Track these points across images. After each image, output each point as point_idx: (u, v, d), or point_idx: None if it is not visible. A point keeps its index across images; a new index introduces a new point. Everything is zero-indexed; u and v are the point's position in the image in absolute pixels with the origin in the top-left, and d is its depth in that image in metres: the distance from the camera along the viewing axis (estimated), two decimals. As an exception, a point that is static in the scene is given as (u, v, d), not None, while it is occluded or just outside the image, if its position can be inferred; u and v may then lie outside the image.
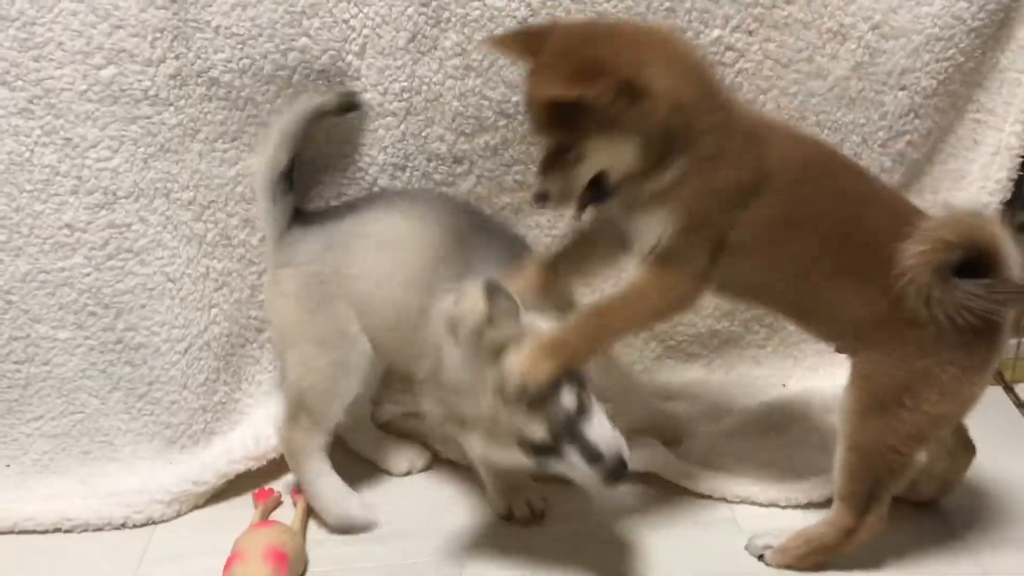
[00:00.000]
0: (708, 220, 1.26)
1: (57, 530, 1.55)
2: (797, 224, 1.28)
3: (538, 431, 1.23)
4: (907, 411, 1.27)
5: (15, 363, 1.57)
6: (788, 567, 1.40)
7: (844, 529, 1.35)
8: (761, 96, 1.63)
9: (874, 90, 1.64)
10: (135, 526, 1.55)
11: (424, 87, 1.56)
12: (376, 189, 1.62)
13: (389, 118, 1.58)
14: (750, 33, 1.58)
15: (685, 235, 1.25)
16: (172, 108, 1.49)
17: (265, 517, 1.53)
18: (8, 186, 1.49)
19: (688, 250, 1.26)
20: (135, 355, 1.57)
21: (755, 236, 1.27)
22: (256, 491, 1.59)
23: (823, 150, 1.38)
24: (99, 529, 1.54)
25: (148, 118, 1.49)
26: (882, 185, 1.43)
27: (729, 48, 1.59)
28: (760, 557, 1.42)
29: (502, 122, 1.59)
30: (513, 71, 1.54)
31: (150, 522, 1.56)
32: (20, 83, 1.44)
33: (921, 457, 1.32)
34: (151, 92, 1.47)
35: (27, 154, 1.48)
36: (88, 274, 1.54)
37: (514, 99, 1.56)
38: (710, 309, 1.77)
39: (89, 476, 1.60)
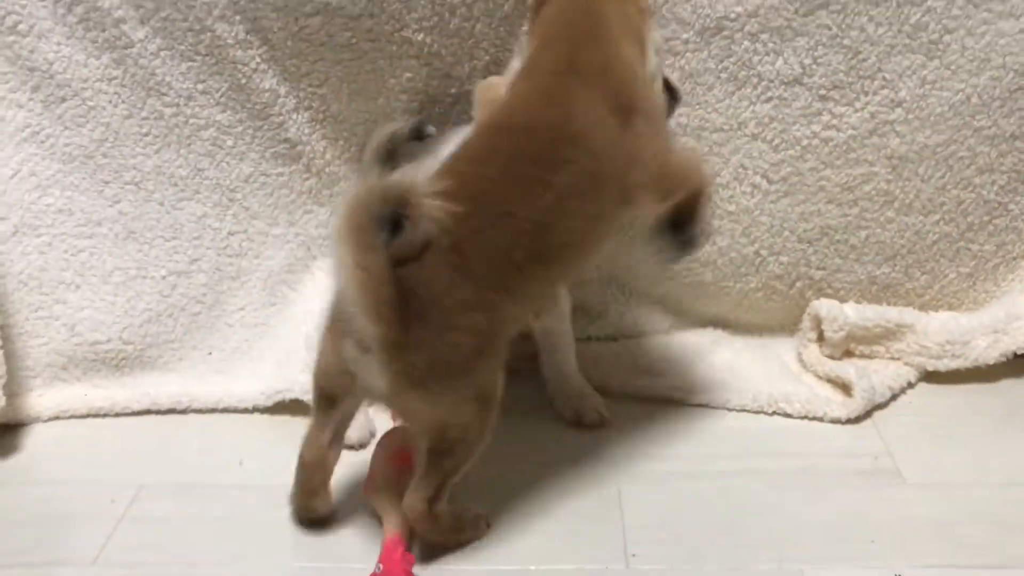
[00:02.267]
0: None
1: (256, 409, 1.73)
2: None
3: None
4: None
5: (231, 256, 1.80)
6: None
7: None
8: (947, 36, 1.65)
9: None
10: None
11: None
12: None
13: None
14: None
15: None
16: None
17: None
18: (233, 102, 1.72)
19: None
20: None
21: None
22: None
23: None
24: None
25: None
26: None
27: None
28: None
29: (669, 60, 1.63)
30: (687, 8, 1.61)
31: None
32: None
33: None
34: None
35: (250, 76, 1.71)
36: (307, 179, 1.76)
37: (684, 36, 1.64)
38: (871, 254, 1.79)
39: (282, 362, 1.76)
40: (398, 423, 1.52)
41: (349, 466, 1.50)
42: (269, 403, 1.71)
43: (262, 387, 1.71)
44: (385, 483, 1.40)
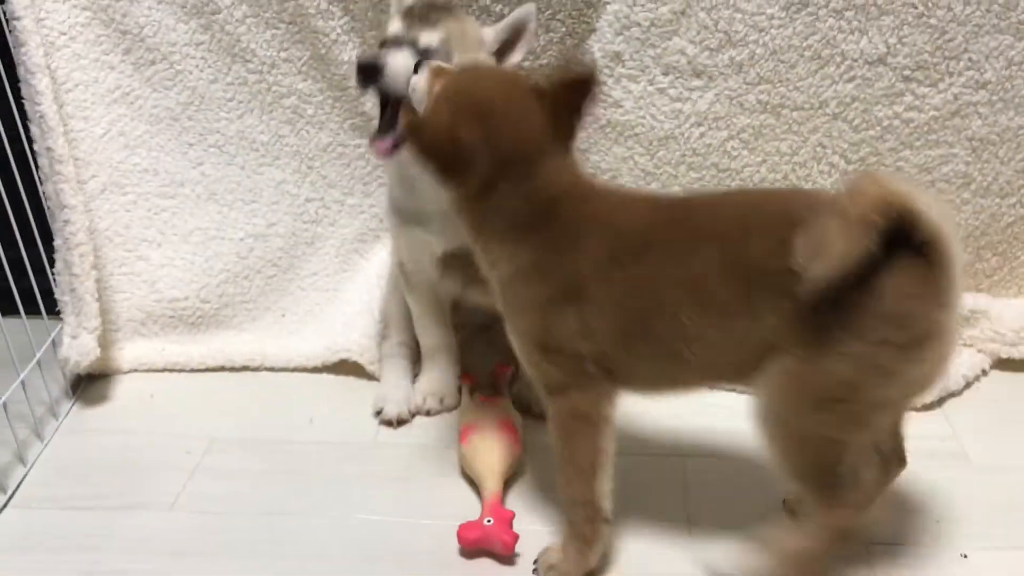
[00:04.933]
0: None
1: (320, 367, 1.77)
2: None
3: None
4: (846, 403, 1.11)
5: (306, 222, 1.85)
6: None
7: (823, 525, 1.18)
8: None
9: None
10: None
11: None
12: (610, 100, 1.71)
13: (633, 28, 1.65)
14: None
15: None
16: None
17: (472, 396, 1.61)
18: (314, 71, 1.75)
19: None
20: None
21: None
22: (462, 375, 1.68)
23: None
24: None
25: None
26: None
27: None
28: None
29: (752, 36, 1.65)
30: None
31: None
32: None
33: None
34: None
35: (330, 46, 1.74)
36: (384, 152, 1.80)
37: (769, 11, 1.62)
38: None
39: (347, 325, 1.80)
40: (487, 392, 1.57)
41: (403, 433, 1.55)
42: (332, 360, 1.75)
43: (327, 343, 1.76)
44: (487, 445, 1.45)
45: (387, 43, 1.45)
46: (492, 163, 1.19)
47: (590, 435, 1.23)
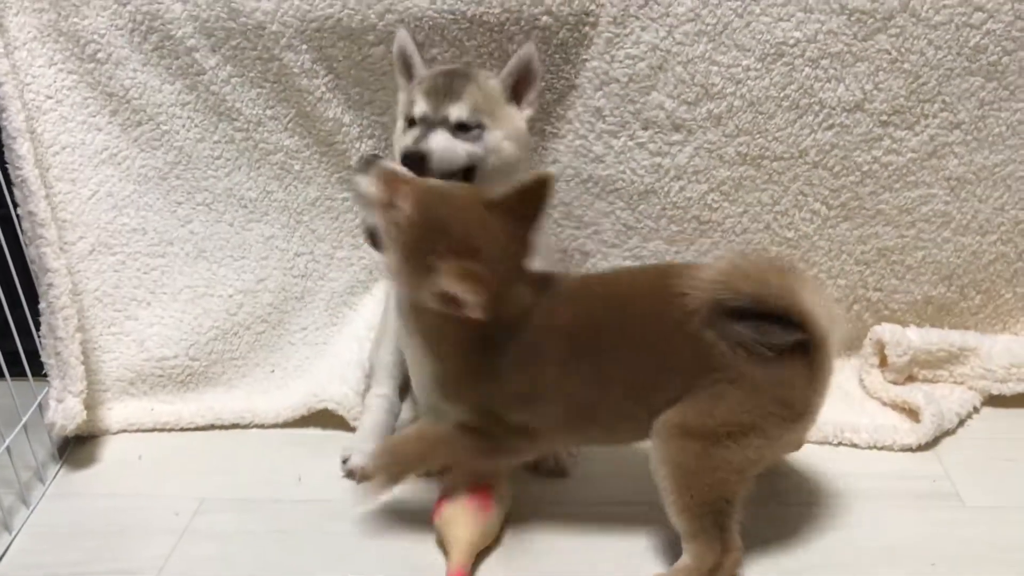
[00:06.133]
0: None
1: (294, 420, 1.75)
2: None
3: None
4: (733, 451, 1.27)
5: (296, 276, 1.85)
6: None
7: (708, 568, 1.30)
8: (1005, 57, 1.63)
9: None
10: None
11: (649, 53, 1.65)
12: (591, 155, 1.74)
13: (612, 84, 1.68)
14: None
15: None
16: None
17: None
18: (300, 128, 1.77)
19: None
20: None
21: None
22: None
23: None
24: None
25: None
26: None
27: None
28: None
29: (730, 88, 1.67)
30: (747, 34, 1.63)
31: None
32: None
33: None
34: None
35: (315, 104, 1.75)
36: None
37: (745, 63, 1.65)
38: (928, 275, 1.78)
39: (331, 376, 1.78)
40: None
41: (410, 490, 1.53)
42: (316, 407, 1.72)
43: (312, 391, 1.74)
44: (455, 515, 1.41)
45: (416, 123, 1.50)
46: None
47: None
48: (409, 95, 1.55)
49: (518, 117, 1.55)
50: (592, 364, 1.30)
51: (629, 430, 1.36)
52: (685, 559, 1.32)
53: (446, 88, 1.49)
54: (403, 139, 1.52)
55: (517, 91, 1.55)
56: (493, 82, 1.53)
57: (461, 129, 1.48)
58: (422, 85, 1.52)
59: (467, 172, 1.50)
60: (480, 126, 1.49)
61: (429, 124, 1.48)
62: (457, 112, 1.48)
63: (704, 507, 1.28)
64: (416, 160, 1.43)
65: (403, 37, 1.60)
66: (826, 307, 1.26)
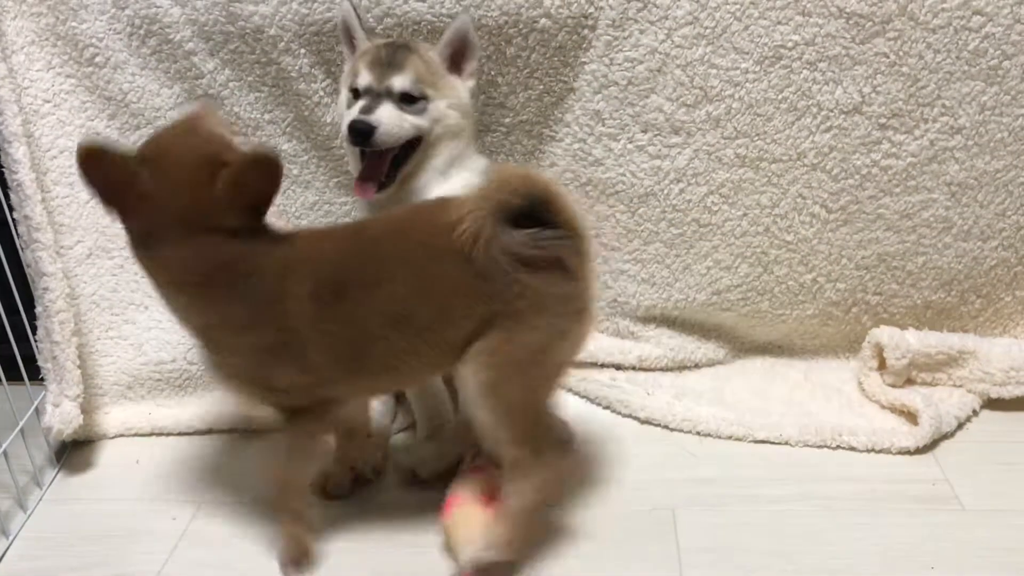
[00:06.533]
0: None
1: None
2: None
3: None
4: (541, 364, 1.33)
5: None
6: (515, 552, 1.38)
7: (540, 479, 1.34)
8: (1006, 62, 1.63)
9: None
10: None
11: (648, 56, 1.66)
12: (590, 158, 1.74)
13: (611, 88, 1.69)
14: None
15: None
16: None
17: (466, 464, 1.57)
18: (298, 132, 1.77)
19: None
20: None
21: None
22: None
23: None
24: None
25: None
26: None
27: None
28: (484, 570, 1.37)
29: (728, 91, 1.67)
30: (745, 37, 1.63)
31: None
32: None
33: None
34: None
35: (313, 108, 1.75)
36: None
37: (743, 65, 1.65)
38: (928, 280, 1.78)
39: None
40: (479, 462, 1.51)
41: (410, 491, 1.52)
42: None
43: None
44: (465, 517, 1.42)
45: (360, 94, 1.51)
46: (153, 215, 1.27)
47: (313, 454, 1.42)
48: (352, 66, 1.56)
49: (461, 87, 1.56)
50: (348, 303, 1.30)
51: (418, 368, 1.36)
52: (538, 474, 1.34)
53: (389, 59, 1.51)
54: (349, 112, 1.52)
55: (456, 62, 1.56)
56: (432, 54, 1.54)
57: (405, 100, 1.50)
58: (365, 57, 1.53)
59: (412, 143, 1.52)
60: (424, 97, 1.50)
61: (374, 95, 1.50)
62: (400, 82, 1.49)
63: (532, 421, 1.33)
64: (363, 132, 1.46)
65: (346, 8, 1.59)
66: (575, 200, 1.34)
